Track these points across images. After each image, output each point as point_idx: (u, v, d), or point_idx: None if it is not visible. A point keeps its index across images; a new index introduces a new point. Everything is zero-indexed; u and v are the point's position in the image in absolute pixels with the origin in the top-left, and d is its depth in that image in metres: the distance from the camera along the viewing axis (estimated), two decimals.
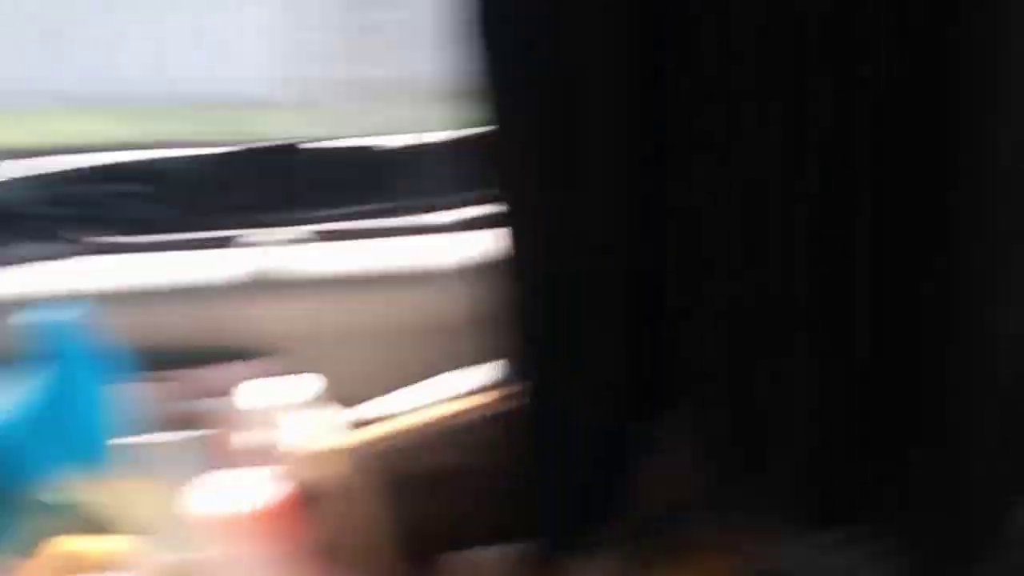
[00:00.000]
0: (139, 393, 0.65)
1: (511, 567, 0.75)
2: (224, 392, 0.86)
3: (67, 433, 0.57)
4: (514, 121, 0.67)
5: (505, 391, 0.79)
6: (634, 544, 0.71)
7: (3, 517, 0.57)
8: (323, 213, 0.94)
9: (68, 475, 0.59)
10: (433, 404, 0.80)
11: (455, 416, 0.79)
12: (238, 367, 0.87)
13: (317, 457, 0.76)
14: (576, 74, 0.66)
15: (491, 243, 0.91)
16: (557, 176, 0.68)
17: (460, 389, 0.81)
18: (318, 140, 0.94)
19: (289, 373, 0.78)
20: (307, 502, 0.78)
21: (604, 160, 0.68)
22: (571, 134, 0.67)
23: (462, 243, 0.91)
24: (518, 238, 0.69)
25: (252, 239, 0.89)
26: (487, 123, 0.67)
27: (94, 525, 0.79)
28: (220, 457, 0.83)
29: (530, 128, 0.67)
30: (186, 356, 0.84)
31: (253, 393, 0.87)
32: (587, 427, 0.70)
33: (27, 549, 0.59)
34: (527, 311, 0.69)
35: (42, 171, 0.89)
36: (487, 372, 0.82)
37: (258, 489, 0.74)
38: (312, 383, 0.77)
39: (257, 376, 0.87)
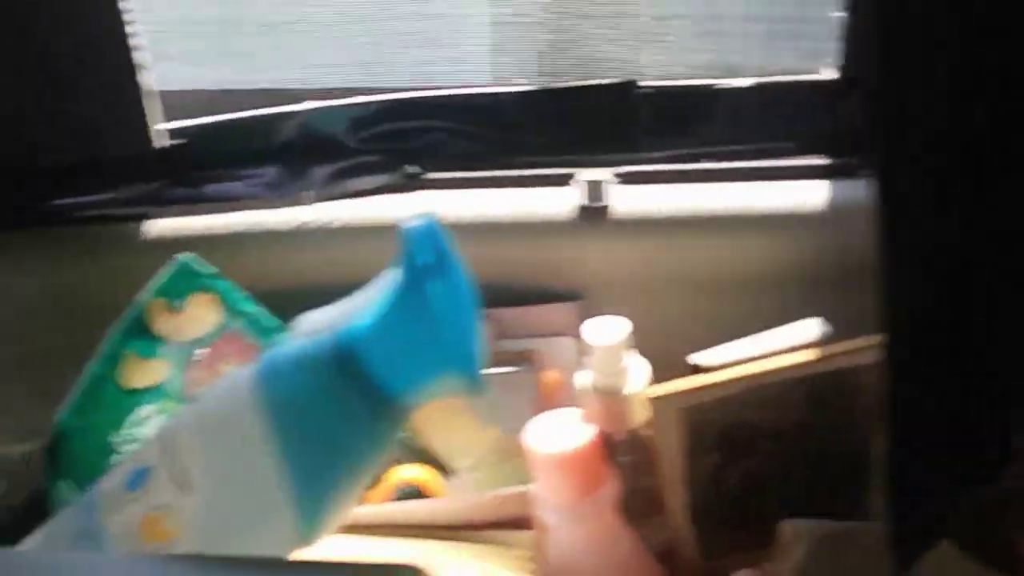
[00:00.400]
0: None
1: (845, 544, 0.70)
2: (543, 332, 0.87)
3: (432, 348, 0.57)
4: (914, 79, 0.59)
5: (831, 350, 0.75)
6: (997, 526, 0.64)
7: (370, 428, 0.58)
8: (657, 154, 0.90)
9: (428, 392, 0.59)
10: (754, 359, 0.76)
11: (775, 373, 0.75)
12: (558, 307, 0.87)
13: (628, 403, 0.75)
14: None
15: (833, 193, 0.86)
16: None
17: (782, 345, 0.77)
18: (658, 78, 0.90)
19: (605, 315, 0.76)
20: (614, 448, 0.77)
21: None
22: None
23: (796, 191, 0.86)
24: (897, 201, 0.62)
25: (582, 177, 0.87)
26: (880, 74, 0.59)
27: (418, 453, 0.83)
28: (538, 397, 0.84)
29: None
30: (507, 294, 0.85)
31: (572, 334, 0.86)
32: (958, 406, 0.63)
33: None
34: (902, 276, 0.62)
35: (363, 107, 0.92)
36: (810, 328, 0.77)
37: (571, 431, 0.73)
38: (626, 327, 0.74)
39: (575, 318, 0.87)
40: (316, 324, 0.59)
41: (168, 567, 0.50)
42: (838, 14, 0.87)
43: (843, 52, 0.88)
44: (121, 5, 0.82)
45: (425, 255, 0.57)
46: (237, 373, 0.59)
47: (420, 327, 0.57)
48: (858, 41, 0.87)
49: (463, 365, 0.57)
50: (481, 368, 0.59)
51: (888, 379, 0.64)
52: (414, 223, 0.58)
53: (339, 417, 0.57)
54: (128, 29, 0.83)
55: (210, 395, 0.60)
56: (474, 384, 0.58)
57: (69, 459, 0.74)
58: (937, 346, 0.64)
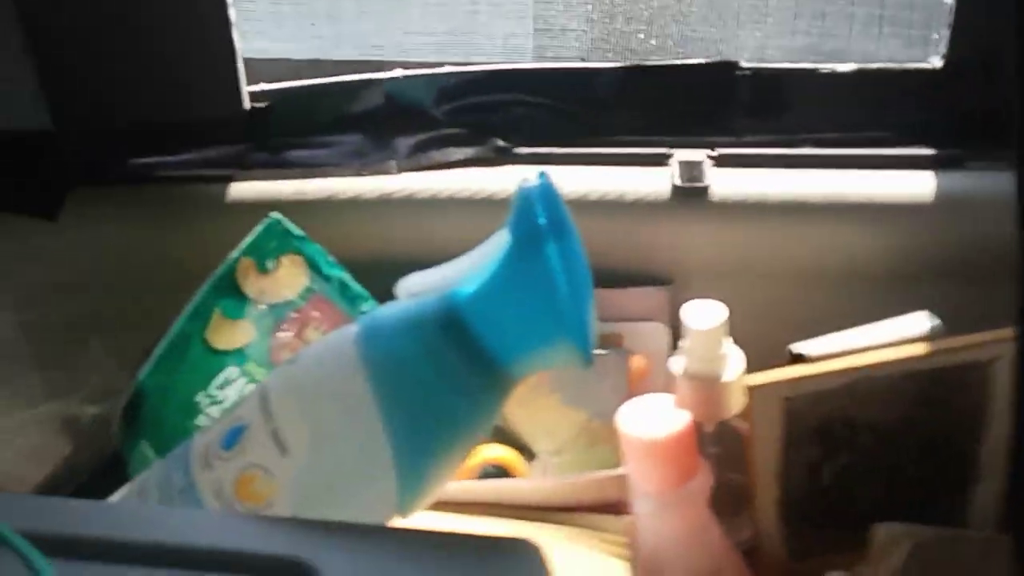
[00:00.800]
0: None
1: (946, 551, 0.67)
2: (633, 316, 0.84)
3: (545, 314, 0.54)
4: None
5: (939, 345, 0.71)
6: None
7: (475, 396, 0.56)
8: (756, 137, 0.87)
9: (536, 362, 0.56)
10: (859, 351, 0.73)
11: (881, 366, 0.72)
12: (649, 291, 0.84)
13: (723, 392, 0.72)
14: None
15: (937, 184, 0.83)
16: None
17: (888, 338, 0.74)
18: (756, 60, 0.87)
19: (695, 300, 0.74)
20: (704, 439, 0.75)
21: None
22: None
23: (898, 180, 0.83)
24: None
25: (679, 158, 0.85)
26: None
27: (502, 434, 0.80)
28: (626, 382, 0.81)
29: None
30: (597, 274, 0.82)
31: (662, 319, 0.84)
32: None
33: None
34: None
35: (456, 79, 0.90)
36: (917, 322, 0.74)
37: (664, 417, 0.71)
38: (722, 313, 0.71)
39: (666, 302, 0.84)
40: (422, 285, 0.57)
41: (266, 528, 0.48)
42: (947, 1, 0.84)
43: (951, 40, 0.85)
44: None
45: (544, 214, 0.54)
46: (340, 333, 0.57)
47: (533, 291, 0.54)
48: (970, 27, 0.84)
49: (576, 335, 0.54)
50: (593, 340, 0.56)
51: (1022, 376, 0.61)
52: (531, 183, 0.56)
53: (444, 382, 0.55)
54: None
55: (311, 354, 0.58)
56: (585, 357, 0.55)
57: (150, 418, 0.72)
58: None
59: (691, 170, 0.84)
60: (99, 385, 0.79)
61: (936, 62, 0.86)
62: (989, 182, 0.83)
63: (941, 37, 0.85)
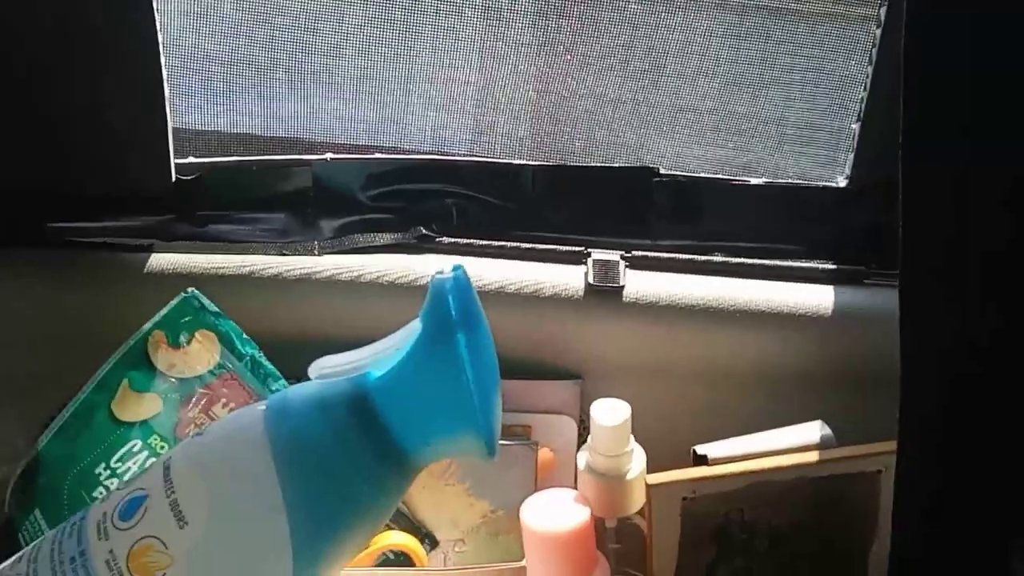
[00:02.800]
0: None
1: None
2: (543, 408, 0.86)
3: (453, 403, 0.55)
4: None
5: (834, 454, 0.74)
6: None
7: (379, 481, 0.56)
8: (670, 242, 0.91)
9: (441, 450, 0.57)
10: (759, 455, 0.75)
11: (779, 471, 0.74)
12: (559, 385, 0.86)
13: (626, 489, 0.73)
14: None
15: (839, 298, 0.87)
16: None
17: (786, 444, 0.77)
18: (678, 169, 0.91)
19: (609, 397, 0.75)
20: (604, 534, 0.76)
21: None
22: None
23: (803, 292, 0.87)
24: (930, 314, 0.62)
25: (597, 257, 0.87)
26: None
27: (404, 520, 0.80)
28: (533, 473, 0.82)
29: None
30: (508, 365, 0.83)
31: (571, 413, 0.85)
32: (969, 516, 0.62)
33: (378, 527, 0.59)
34: (921, 381, 0.62)
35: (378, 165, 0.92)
36: (813, 430, 0.77)
37: (566, 511, 0.72)
38: (627, 411, 0.73)
39: (576, 397, 0.86)
40: (333, 368, 0.58)
41: None
42: (853, 124, 0.89)
43: (855, 162, 0.90)
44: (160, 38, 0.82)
45: (456, 306, 0.56)
46: (249, 409, 0.57)
47: (441, 381, 0.56)
48: (872, 152, 0.89)
49: (481, 427, 0.56)
50: (497, 433, 0.58)
51: (902, 485, 0.64)
52: (445, 275, 0.57)
53: (348, 465, 0.56)
54: (162, 63, 0.82)
55: (218, 429, 0.58)
56: (488, 449, 0.57)
57: (46, 487, 0.71)
58: (954, 454, 0.64)
59: (606, 270, 0.86)
60: (3, 450, 0.77)
61: (841, 181, 0.91)
62: (885, 298, 0.87)
63: (847, 159, 0.91)
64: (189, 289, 0.77)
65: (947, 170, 0.60)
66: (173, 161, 0.87)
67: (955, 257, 0.62)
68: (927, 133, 0.60)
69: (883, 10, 0.84)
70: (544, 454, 0.82)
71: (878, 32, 0.85)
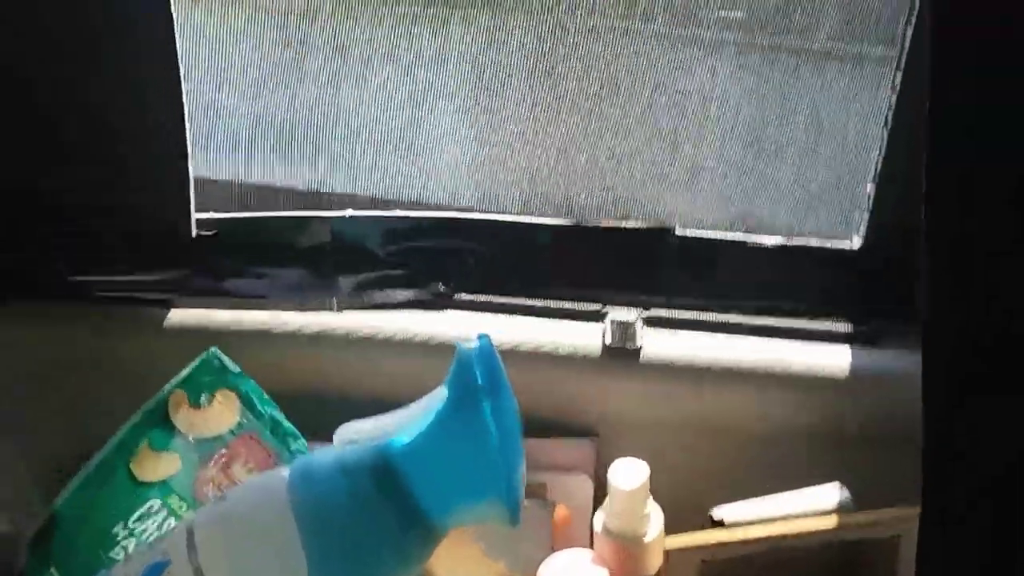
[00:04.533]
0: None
1: None
2: (558, 466, 0.86)
3: (477, 471, 0.55)
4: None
5: (852, 519, 0.74)
6: None
7: (402, 546, 0.56)
8: (686, 300, 0.91)
9: (464, 517, 0.57)
10: (777, 519, 0.75)
11: (797, 537, 0.74)
12: (575, 443, 0.86)
13: (644, 551, 0.73)
14: None
15: (855, 359, 0.88)
16: None
17: (804, 508, 0.77)
18: (695, 227, 0.92)
19: (625, 457, 0.75)
20: None
21: None
22: None
23: (819, 353, 0.87)
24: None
25: (612, 316, 0.88)
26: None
27: None
28: (549, 533, 0.82)
29: None
30: (524, 424, 0.84)
31: (588, 471, 0.85)
32: None
33: None
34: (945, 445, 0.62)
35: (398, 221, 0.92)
36: (830, 494, 0.77)
37: (583, 572, 0.72)
38: (645, 473, 0.73)
39: (592, 455, 0.86)
40: (356, 434, 0.58)
41: None
42: (868, 185, 0.90)
43: (869, 223, 0.91)
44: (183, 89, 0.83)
45: (481, 376, 0.56)
46: (272, 474, 0.58)
47: (467, 450, 0.56)
48: (886, 213, 0.89)
49: (506, 496, 0.56)
50: (522, 501, 0.58)
51: (924, 551, 0.64)
52: (470, 343, 0.58)
53: (372, 531, 0.56)
54: (185, 118, 0.83)
55: (241, 494, 0.58)
56: (513, 516, 0.57)
57: (62, 546, 0.71)
58: (975, 524, 0.63)
59: (623, 329, 0.87)
60: (14, 504, 0.77)
61: (856, 242, 0.92)
62: (900, 359, 0.87)
63: (861, 219, 0.91)
64: (211, 349, 0.78)
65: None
66: (194, 216, 0.88)
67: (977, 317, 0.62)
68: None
69: (899, 75, 0.85)
70: (560, 511, 0.82)
71: (893, 96, 0.86)
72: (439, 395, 0.57)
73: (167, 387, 0.76)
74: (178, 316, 0.87)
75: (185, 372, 0.76)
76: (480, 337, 0.58)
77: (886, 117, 0.87)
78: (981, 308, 0.63)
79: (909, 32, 0.82)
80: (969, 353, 0.63)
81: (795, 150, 0.95)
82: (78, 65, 0.81)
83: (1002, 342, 0.62)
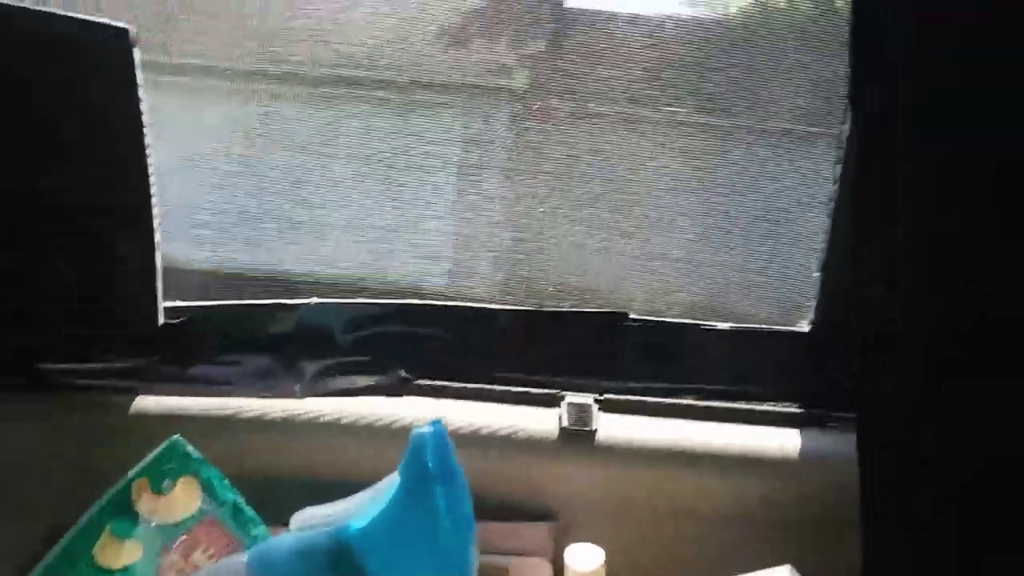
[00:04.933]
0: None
1: None
2: (517, 549, 0.87)
3: (431, 553, 0.57)
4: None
5: None
6: None
7: None
8: (641, 385, 0.94)
9: None
10: None
11: None
12: (533, 527, 0.87)
13: None
14: None
15: (805, 442, 0.90)
16: None
17: None
18: (649, 313, 0.95)
19: (581, 540, 0.77)
20: None
21: None
22: None
23: (770, 436, 0.90)
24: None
25: (568, 400, 0.90)
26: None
27: None
28: None
29: None
30: (482, 507, 0.85)
31: (545, 554, 0.86)
32: None
33: None
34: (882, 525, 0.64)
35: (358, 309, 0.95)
36: (781, 575, 0.79)
37: None
38: (600, 557, 0.75)
39: (549, 538, 0.87)
40: (313, 519, 0.60)
41: None
42: (815, 273, 0.93)
43: (817, 308, 0.94)
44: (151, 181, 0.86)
45: (434, 460, 0.58)
46: (230, 561, 0.59)
47: (420, 532, 0.58)
48: (833, 300, 0.93)
49: (458, 574, 0.58)
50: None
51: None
52: (424, 428, 0.60)
53: None
54: (154, 210, 0.86)
55: None
56: None
57: None
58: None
59: (579, 413, 0.89)
60: None
61: (805, 326, 0.95)
62: (850, 442, 0.89)
63: (810, 305, 0.95)
64: (174, 436, 0.79)
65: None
66: (161, 304, 0.90)
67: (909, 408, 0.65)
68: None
69: (838, 167, 0.90)
70: None
71: (834, 188, 0.90)
72: (393, 480, 0.59)
73: (130, 474, 0.77)
74: (143, 403, 0.88)
75: (148, 459, 0.77)
76: (433, 423, 0.60)
77: (828, 208, 0.92)
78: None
79: (846, 129, 0.86)
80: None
81: (745, 237, 0.99)
82: (45, 155, 0.84)
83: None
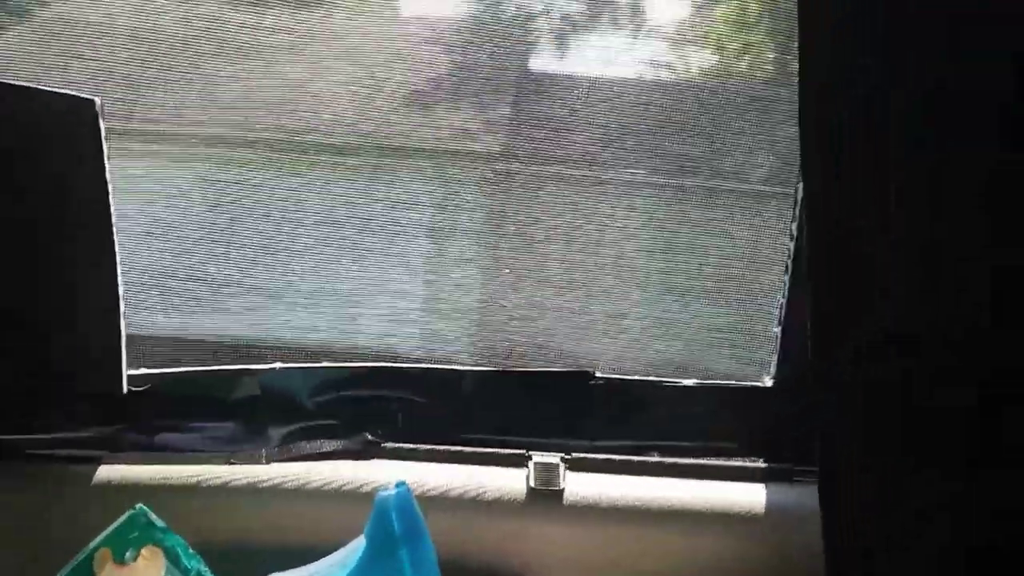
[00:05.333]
0: None
1: None
2: None
3: None
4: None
5: None
6: None
7: None
8: (608, 443, 0.94)
9: None
10: None
11: None
12: None
13: None
14: None
15: (771, 496, 0.91)
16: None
17: None
18: (614, 372, 0.96)
19: None
20: None
21: None
22: None
23: (737, 491, 0.90)
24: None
25: (536, 459, 0.90)
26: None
27: None
28: None
29: None
30: (451, 569, 0.85)
31: None
32: None
33: None
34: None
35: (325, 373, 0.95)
36: None
37: None
38: None
39: None
40: None
41: None
42: (775, 328, 0.95)
43: (778, 363, 0.96)
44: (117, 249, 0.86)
45: (399, 523, 0.58)
46: None
47: None
48: (793, 354, 0.94)
49: None
50: None
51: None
52: (388, 491, 0.60)
53: None
54: (119, 278, 0.86)
55: None
56: None
57: None
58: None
59: (547, 472, 0.89)
60: None
61: (767, 381, 0.96)
62: (815, 495, 0.90)
63: (772, 360, 0.96)
64: (137, 506, 0.78)
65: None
66: (125, 372, 0.90)
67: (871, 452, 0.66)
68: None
69: (794, 225, 0.92)
70: None
71: (792, 245, 0.92)
72: (359, 544, 0.59)
73: (92, 544, 0.76)
74: (107, 472, 0.87)
75: (110, 529, 0.76)
76: (398, 485, 0.60)
77: (786, 264, 0.93)
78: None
79: (801, 188, 0.88)
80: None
81: (706, 295, 1.00)
82: (8, 223, 0.84)
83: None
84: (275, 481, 0.87)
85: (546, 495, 0.88)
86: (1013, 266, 0.65)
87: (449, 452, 0.93)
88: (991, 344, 0.66)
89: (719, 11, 0.94)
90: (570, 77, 0.95)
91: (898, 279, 0.66)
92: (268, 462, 0.89)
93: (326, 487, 0.87)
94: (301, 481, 0.88)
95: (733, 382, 0.98)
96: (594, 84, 0.95)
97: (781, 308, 0.94)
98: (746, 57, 0.96)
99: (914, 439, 0.68)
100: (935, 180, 0.65)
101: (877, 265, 0.66)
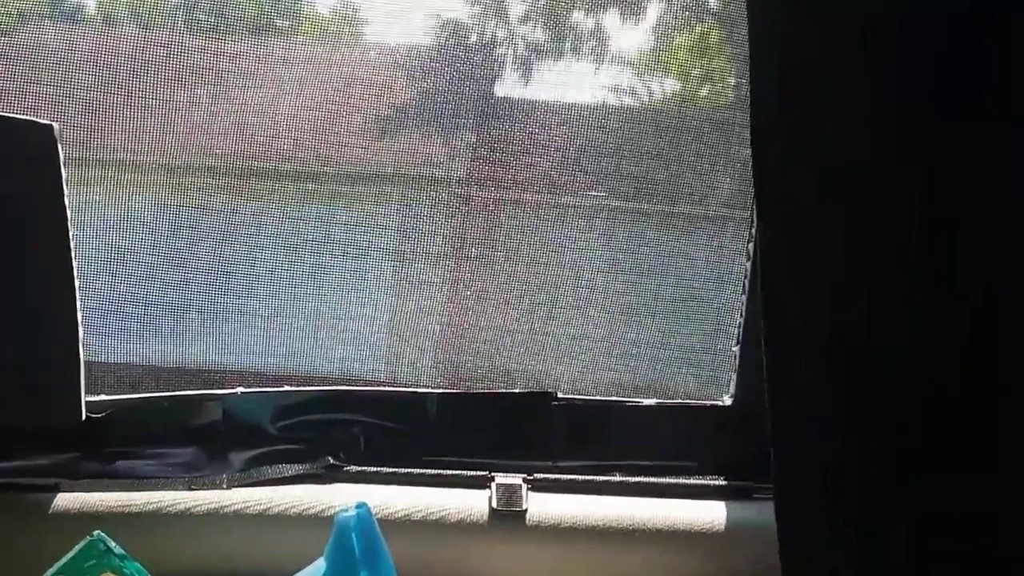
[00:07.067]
0: None
1: None
2: None
3: None
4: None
5: None
6: None
7: None
8: (570, 463, 0.95)
9: None
10: None
11: None
12: None
13: None
14: None
15: (731, 514, 0.92)
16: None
17: None
18: (575, 393, 0.97)
19: None
20: None
21: None
22: None
23: (698, 509, 0.91)
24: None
25: (498, 481, 0.91)
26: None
27: None
28: None
29: None
30: None
31: None
32: None
33: None
34: None
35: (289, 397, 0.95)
36: None
37: None
38: None
39: None
40: None
41: None
42: (733, 348, 0.96)
43: (738, 381, 0.97)
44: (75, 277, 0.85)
45: (359, 544, 0.58)
46: None
47: None
48: (752, 373, 0.95)
49: None
50: None
51: None
52: (348, 512, 0.60)
53: None
54: (76, 298, 0.86)
55: None
56: None
57: None
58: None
59: (509, 494, 0.89)
60: None
61: (727, 400, 0.97)
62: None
63: (731, 379, 0.97)
64: (95, 532, 0.78)
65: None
66: (84, 399, 0.89)
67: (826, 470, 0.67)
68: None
69: (750, 245, 0.93)
70: None
71: (748, 264, 0.94)
72: (319, 566, 0.59)
73: (49, 573, 0.75)
74: (66, 501, 0.86)
75: (67, 557, 0.75)
76: (358, 506, 0.60)
77: (743, 284, 0.95)
78: None
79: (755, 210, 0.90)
80: None
81: (665, 315, 1.02)
82: None
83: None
84: (237, 506, 0.87)
85: (508, 516, 0.88)
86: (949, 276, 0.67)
87: (412, 475, 0.93)
88: (943, 350, 0.68)
89: (679, 39, 0.96)
90: (531, 103, 0.97)
91: (849, 290, 0.68)
92: (230, 487, 0.89)
93: (288, 511, 0.87)
94: (263, 506, 0.87)
95: (693, 401, 0.99)
96: (553, 109, 0.96)
97: (739, 327, 0.95)
98: (706, 83, 0.98)
99: (870, 450, 0.69)
100: (881, 196, 0.67)
101: (829, 277, 0.68)
